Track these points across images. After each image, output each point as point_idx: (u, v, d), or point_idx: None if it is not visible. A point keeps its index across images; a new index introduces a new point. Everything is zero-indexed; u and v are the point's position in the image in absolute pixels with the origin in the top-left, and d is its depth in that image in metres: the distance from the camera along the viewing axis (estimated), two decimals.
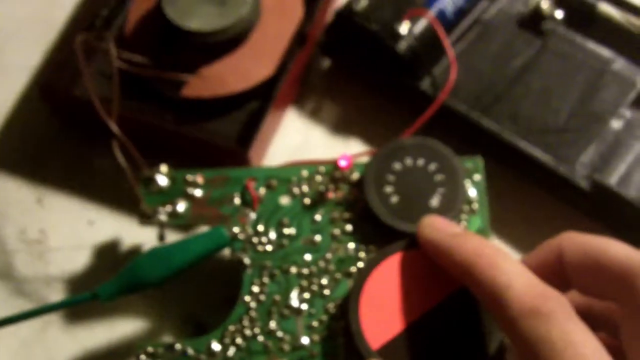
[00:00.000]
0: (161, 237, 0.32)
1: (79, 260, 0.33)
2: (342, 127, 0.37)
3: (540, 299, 0.23)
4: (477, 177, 0.31)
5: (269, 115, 0.34)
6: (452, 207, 0.30)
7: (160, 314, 0.32)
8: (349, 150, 0.34)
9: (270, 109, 0.34)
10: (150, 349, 0.29)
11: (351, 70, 0.37)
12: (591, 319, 0.26)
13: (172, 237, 0.32)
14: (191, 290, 0.32)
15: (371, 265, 0.28)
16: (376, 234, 0.30)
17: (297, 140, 0.36)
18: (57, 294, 0.33)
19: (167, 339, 0.32)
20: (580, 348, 0.22)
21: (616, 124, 0.31)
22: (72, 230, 0.34)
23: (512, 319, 0.23)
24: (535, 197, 0.33)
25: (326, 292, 0.29)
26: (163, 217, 0.31)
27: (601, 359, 0.22)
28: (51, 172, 0.35)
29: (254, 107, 0.35)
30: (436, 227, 0.27)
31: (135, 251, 0.34)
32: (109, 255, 0.34)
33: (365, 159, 0.31)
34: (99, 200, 0.35)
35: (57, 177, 0.35)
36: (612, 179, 0.30)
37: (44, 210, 0.34)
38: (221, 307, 0.30)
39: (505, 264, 0.24)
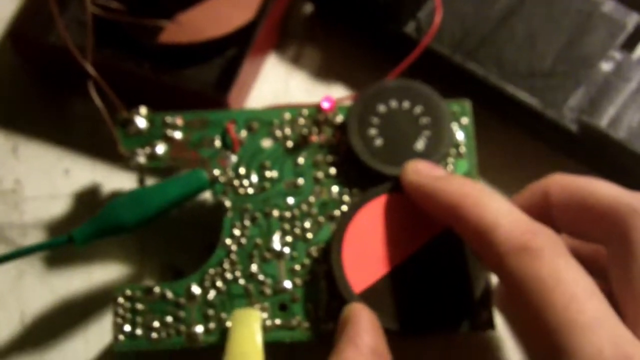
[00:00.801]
0: (141, 181, 0.32)
1: (55, 209, 0.33)
2: (324, 73, 0.36)
3: (528, 234, 0.22)
4: (465, 120, 0.31)
5: (248, 61, 0.33)
6: (438, 150, 0.30)
7: (139, 261, 0.32)
8: (333, 96, 0.34)
9: (249, 55, 0.33)
10: (128, 292, 0.29)
11: (334, 16, 0.36)
12: (580, 262, 0.26)
13: (152, 181, 0.32)
14: (171, 237, 0.32)
15: (354, 208, 0.28)
16: (360, 177, 0.29)
17: (277, 86, 0.36)
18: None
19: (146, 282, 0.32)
20: (571, 286, 0.21)
21: (606, 67, 0.31)
22: (47, 179, 0.34)
23: (499, 256, 0.23)
24: (522, 141, 0.33)
25: (309, 235, 0.29)
26: (141, 159, 0.30)
27: (593, 297, 0.21)
28: (25, 122, 0.35)
29: (233, 54, 0.34)
30: (420, 171, 0.27)
31: (114, 197, 0.33)
32: (85, 203, 0.33)
33: (349, 102, 0.31)
34: (75, 149, 0.35)
35: (32, 126, 0.35)
36: (602, 122, 0.30)
37: (18, 159, 0.34)
38: (201, 254, 0.30)
39: (491, 202, 0.24)
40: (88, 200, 0.34)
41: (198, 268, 0.29)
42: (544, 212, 0.26)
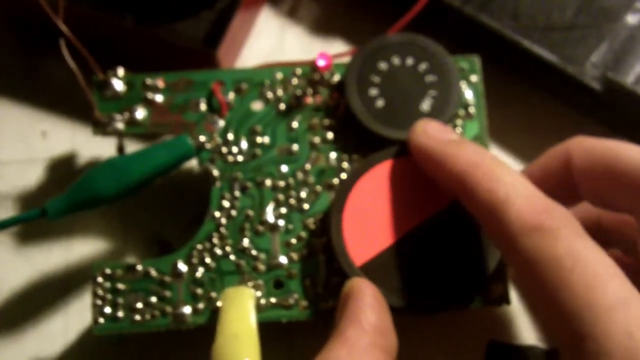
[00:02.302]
0: (120, 149, 0.31)
1: (31, 175, 0.32)
2: (321, 27, 0.35)
3: (543, 213, 0.22)
4: (474, 77, 0.30)
5: (240, 13, 0.32)
6: (446, 111, 0.29)
7: (121, 233, 0.32)
8: (330, 52, 0.33)
9: (241, 7, 0.32)
10: (108, 270, 0.28)
11: None
12: (603, 233, 0.26)
13: (134, 149, 0.31)
14: (156, 207, 0.32)
15: (355, 176, 0.28)
16: (360, 142, 0.29)
17: (271, 42, 0.35)
18: (7, 212, 0.32)
19: (129, 260, 0.31)
20: (591, 266, 0.20)
21: (631, 19, 0.30)
22: (24, 142, 0.33)
23: (511, 236, 0.22)
24: (539, 101, 0.33)
25: (305, 206, 0.28)
26: (120, 125, 0.29)
27: (615, 277, 0.20)
28: (0, 83, 0.34)
29: (223, 5, 0.33)
30: (429, 133, 0.26)
31: (93, 164, 0.33)
32: (64, 169, 0.32)
33: (347, 60, 0.30)
34: (52, 110, 0.34)
35: (7, 87, 0.34)
36: (628, 79, 0.29)
37: None
38: (189, 226, 0.30)
39: (504, 176, 0.23)
40: (67, 165, 0.33)
41: (185, 241, 0.28)
42: (565, 179, 0.25)
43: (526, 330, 0.29)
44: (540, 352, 0.28)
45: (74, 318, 0.30)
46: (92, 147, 0.32)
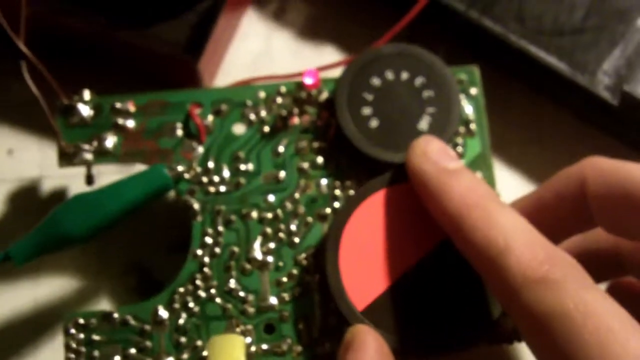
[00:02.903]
0: (89, 180, 0.29)
1: None
2: (311, 30, 0.33)
3: (546, 263, 0.20)
4: (474, 90, 0.28)
5: (223, 16, 0.30)
6: (446, 129, 0.27)
7: (95, 263, 0.30)
8: (321, 60, 0.31)
9: (225, 8, 0.30)
10: (80, 320, 0.26)
11: None
12: (619, 261, 0.24)
13: (105, 179, 0.29)
14: (134, 235, 0.30)
15: (350, 205, 0.26)
16: (353, 166, 0.27)
17: (257, 47, 0.33)
18: None
19: (105, 293, 0.29)
20: (605, 319, 0.19)
21: None
22: None
23: (513, 290, 0.20)
24: (547, 113, 0.31)
25: (296, 239, 0.27)
26: (88, 156, 0.27)
27: (632, 331, 0.19)
28: None
29: (205, 7, 0.30)
30: (429, 155, 0.24)
31: (62, 190, 0.31)
32: (32, 190, 0.31)
33: (337, 73, 0.28)
34: (19, 127, 0.32)
35: None
36: None
37: None
38: (168, 252, 0.29)
39: (502, 217, 0.22)
40: (35, 186, 0.31)
41: (167, 269, 0.27)
42: (579, 204, 0.24)
43: None
44: None
45: None
46: (60, 172, 0.30)
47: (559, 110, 0.31)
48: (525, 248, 0.21)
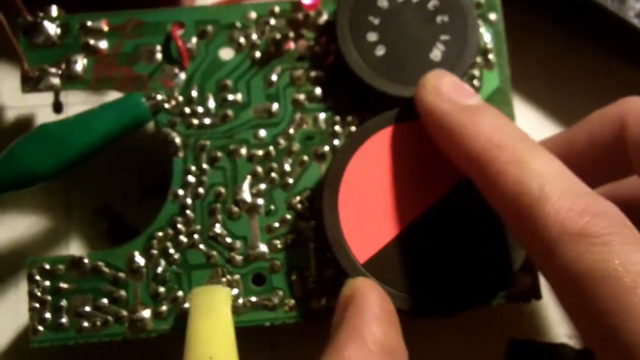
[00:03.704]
0: (57, 108, 0.26)
1: None
2: None
3: (588, 214, 0.18)
4: (493, 15, 0.26)
5: None
6: (461, 59, 0.25)
7: (63, 205, 0.27)
8: None
9: None
10: (46, 266, 0.23)
11: None
12: None
13: (74, 110, 0.26)
14: (103, 172, 0.27)
15: (352, 143, 0.23)
16: (356, 99, 0.25)
17: None
18: None
19: (74, 237, 0.26)
20: None
21: None
22: None
23: (548, 244, 0.18)
24: (571, 44, 0.29)
25: (289, 181, 0.24)
26: (55, 81, 0.25)
27: None
28: None
29: None
30: (442, 91, 0.22)
31: (25, 121, 0.28)
32: None
33: None
34: None
35: None
36: None
37: None
38: (143, 194, 0.27)
39: (535, 160, 0.20)
40: None
41: (140, 214, 0.25)
42: (616, 150, 0.22)
43: (555, 326, 0.26)
44: (571, 352, 0.25)
45: (4, 323, 0.26)
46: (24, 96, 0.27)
47: (584, 40, 0.29)
48: (564, 196, 0.19)
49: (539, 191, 0.19)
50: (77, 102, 0.27)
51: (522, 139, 0.20)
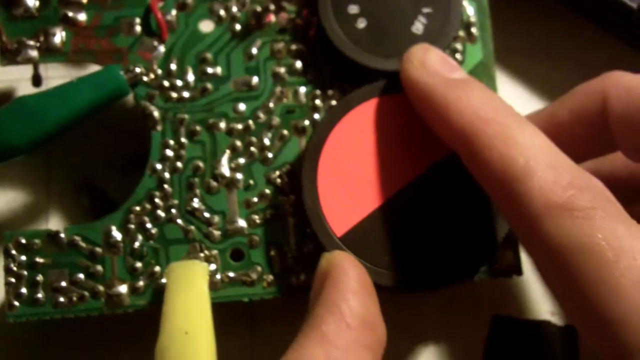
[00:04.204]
0: (36, 81, 0.26)
1: None
2: None
3: (572, 188, 0.18)
4: None
5: None
6: (444, 33, 0.24)
7: (43, 179, 0.27)
8: None
9: None
10: (22, 240, 0.23)
11: None
12: (638, 191, 0.22)
13: (54, 76, 0.26)
14: (84, 146, 0.27)
15: (332, 117, 0.23)
16: (337, 73, 0.25)
17: None
18: None
19: (54, 218, 0.25)
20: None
21: None
22: None
23: (532, 217, 0.18)
24: (556, 17, 0.28)
25: (269, 155, 0.24)
26: (33, 53, 0.24)
27: None
28: None
29: None
30: (428, 65, 0.21)
31: (6, 95, 0.27)
32: None
33: None
34: None
35: None
36: None
37: None
38: (125, 169, 0.26)
39: (522, 135, 0.19)
40: None
41: (122, 189, 0.24)
42: (599, 125, 0.21)
43: (538, 303, 0.25)
44: (554, 329, 0.24)
45: None
46: (4, 70, 0.26)
47: (570, 14, 0.28)
48: (549, 169, 0.18)
49: (524, 165, 0.18)
50: (57, 76, 0.27)
51: (508, 113, 0.20)
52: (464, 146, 0.20)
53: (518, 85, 0.28)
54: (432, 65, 0.22)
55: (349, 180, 0.22)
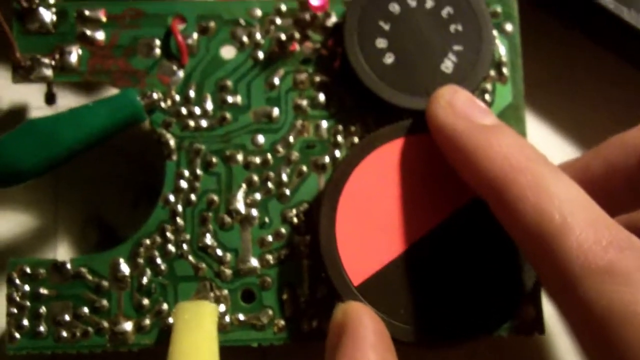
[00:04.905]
0: (49, 99, 0.25)
1: None
2: None
3: (613, 249, 0.17)
4: (510, 26, 0.24)
5: None
6: (474, 73, 0.23)
7: (50, 212, 0.25)
8: None
9: None
10: (27, 269, 0.21)
11: None
12: None
13: (67, 101, 0.25)
14: (96, 180, 0.26)
15: (354, 156, 0.22)
16: (361, 108, 0.23)
17: None
18: None
19: (59, 251, 0.24)
20: None
21: None
22: None
23: (569, 278, 0.17)
24: (584, 54, 0.27)
25: (286, 192, 0.23)
26: (47, 72, 0.23)
27: None
28: None
29: None
30: (457, 108, 0.20)
31: (20, 111, 0.26)
32: None
33: None
34: None
35: None
36: None
37: None
38: (136, 204, 0.25)
39: (556, 186, 0.18)
40: None
41: (132, 226, 0.23)
42: (635, 178, 0.20)
43: None
44: None
45: None
46: (15, 89, 0.25)
47: (598, 50, 0.27)
48: (587, 227, 0.17)
49: (560, 221, 0.17)
50: (69, 93, 0.26)
51: (541, 161, 0.19)
52: (494, 195, 0.19)
53: (542, 123, 0.27)
54: (461, 108, 0.20)
55: (369, 224, 0.21)
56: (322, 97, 0.23)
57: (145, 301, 0.22)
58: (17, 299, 0.22)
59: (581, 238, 0.17)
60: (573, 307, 0.17)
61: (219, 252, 0.22)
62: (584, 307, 0.16)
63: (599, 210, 0.18)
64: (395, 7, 0.23)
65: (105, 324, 0.22)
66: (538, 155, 0.19)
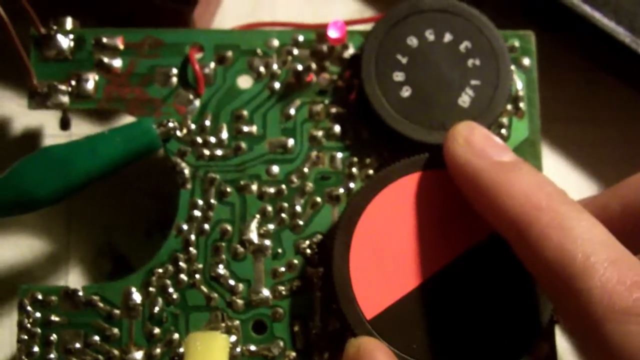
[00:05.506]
0: (64, 125, 0.25)
1: None
2: None
3: (638, 289, 0.16)
4: (527, 61, 0.23)
5: None
6: (491, 108, 0.22)
7: (65, 240, 0.25)
8: (335, 12, 0.27)
9: None
10: (38, 295, 0.21)
11: None
12: None
13: (82, 128, 0.25)
14: (110, 209, 0.25)
15: (369, 189, 0.21)
16: (376, 141, 0.23)
17: None
18: None
19: (73, 278, 0.24)
20: None
21: None
22: None
23: (594, 319, 0.16)
24: (602, 89, 0.27)
25: (300, 223, 0.22)
26: (63, 99, 0.23)
27: None
28: None
29: None
30: (475, 145, 0.20)
31: (34, 136, 0.26)
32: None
33: (366, 27, 0.24)
34: None
35: None
36: None
37: None
38: (149, 233, 0.25)
39: (579, 226, 0.18)
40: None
41: (145, 255, 0.22)
42: None
43: None
44: None
45: None
46: (30, 115, 0.25)
47: (617, 85, 0.26)
48: (610, 267, 0.17)
49: (584, 261, 0.17)
50: (84, 120, 0.25)
51: (562, 200, 0.18)
52: (516, 234, 0.18)
53: (559, 158, 0.26)
54: (479, 146, 0.20)
55: (383, 258, 0.21)
56: (337, 128, 0.23)
57: (157, 330, 0.21)
58: (28, 325, 0.21)
59: (605, 278, 0.16)
60: (597, 349, 0.16)
61: (232, 282, 0.22)
62: (608, 349, 0.16)
63: (621, 249, 0.17)
64: (413, 41, 0.23)
65: (116, 353, 0.21)
66: (558, 192, 0.19)
